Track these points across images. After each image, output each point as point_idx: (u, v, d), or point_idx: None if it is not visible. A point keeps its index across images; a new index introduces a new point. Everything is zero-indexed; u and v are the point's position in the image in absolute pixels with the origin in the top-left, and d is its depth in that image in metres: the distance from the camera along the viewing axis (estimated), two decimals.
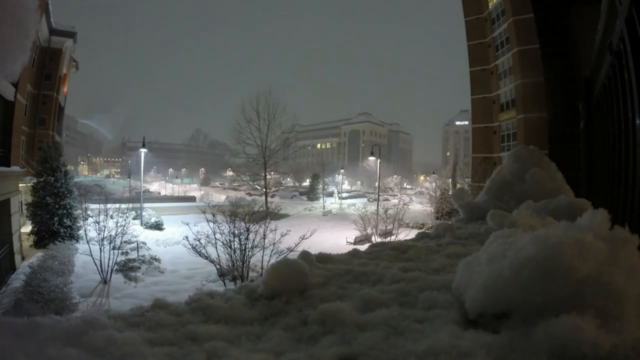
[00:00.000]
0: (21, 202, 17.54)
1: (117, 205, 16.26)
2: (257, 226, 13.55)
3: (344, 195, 51.73)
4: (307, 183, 61.85)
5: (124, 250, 15.76)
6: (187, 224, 15.20)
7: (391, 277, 1.81)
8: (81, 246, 15.82)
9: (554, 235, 1.23)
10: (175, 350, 1.14)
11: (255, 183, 37.96)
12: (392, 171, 70.80)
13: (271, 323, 1.41)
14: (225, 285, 12.38)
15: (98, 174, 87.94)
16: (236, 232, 13.08)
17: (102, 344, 1.15)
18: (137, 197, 27.33)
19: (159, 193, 54.54)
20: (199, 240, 13.37)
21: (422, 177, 74.02)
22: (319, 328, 1.32)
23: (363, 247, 2.56)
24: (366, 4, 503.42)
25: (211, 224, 13.52)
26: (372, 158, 38.94)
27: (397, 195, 48.32)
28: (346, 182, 67.41)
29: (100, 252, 13.45)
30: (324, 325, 1.32)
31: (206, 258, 13.19)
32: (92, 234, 14.60)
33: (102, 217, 14.78)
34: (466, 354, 1.00)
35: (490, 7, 30.54)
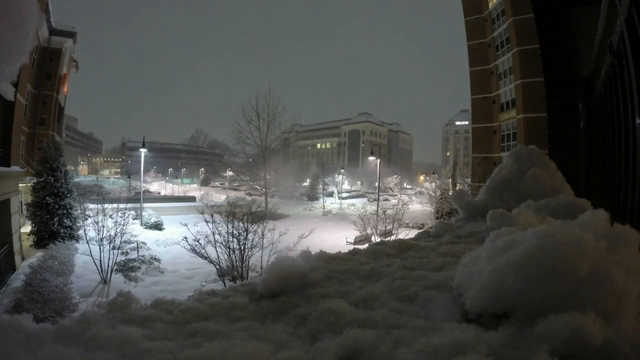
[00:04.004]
0: (21, 202, 17.54)
1: (116, 205, 16.26)
2: (256, 226, 13.56)
3: (344, 195, 51.77)
4: (307, 183, 61.86)
5: (124, 250, 15.76)
6: (186, 225, 15.21)
7: (391, 275, 1.81)
8: (81, 246, 15.81)
9: (554, 234, 1.23)
10: (175, 347, 1.15)
11: (255, 183, 37.99)
12: (392, 171, 70.78)
13: (271, 321, 1.41)
14: (225, 285, 12.38)
15: (99, 174, 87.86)
16: (235, 232, 13.08)
17: (102, 342, 1.15)
18: (137, 197, 27.32)
19: (159, 193, 54.50)
20: (198, 241, 13.37)
21: (422, 177, 73.99)
22: (319, 326, 1.32)
23: (363, 247, 2.56)
24: (366, 4, 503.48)
25: (210, 225, 13.52)
26: (372, 158, 38.94)
27: (397, 195, 48.30)
28: (346, 182, 67.43)
29: (100, 252, 13.45)
30: (324, 323, 1.32)
31: (205, 258, 13.20)
32: (92, 234, 14.60)
33: (101, 217, 14.79)
34: (467, 351, 1.01)
35: (490, 7, 30.57)
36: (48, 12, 23.23)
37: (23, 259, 14.18)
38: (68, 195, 17.12)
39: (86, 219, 15.73)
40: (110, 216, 15.42)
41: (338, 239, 22.72)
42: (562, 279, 1.12)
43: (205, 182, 78.40)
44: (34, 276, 11.09)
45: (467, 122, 77.21)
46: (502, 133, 29.30)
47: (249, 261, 13.11)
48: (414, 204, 34.92)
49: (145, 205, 25.08)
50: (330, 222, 31.29)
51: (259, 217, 15.74)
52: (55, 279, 11.30)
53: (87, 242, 14.37)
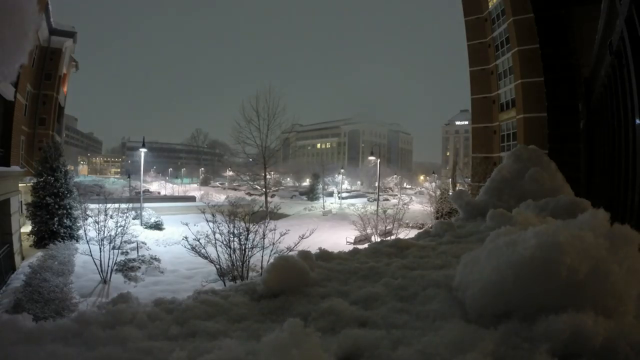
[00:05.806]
0: (21, 202, 17.53)
1: (116, 205, 16.25)
2: (257, 226, 13.55)
3: (344, 195, 51.75)
4: (307, 183, 61.89)
5: (124, 250, 15.74)
6: (187, 224, 15.20)
7: (392, 274, 1.81)
8: (81, 246, 15.80)
9: (554, 234, 1.23)
10: (176, 346, 1.15)
11: (255, 183, 37.98)
12: (392, 171, 70.81)
13: (271, 321, 1.41)
14: (225, 285, 12.36)
15: (99, 174, 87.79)
16: (235, 232, 13.07)
17: (102, 342, 1.15)
18: (137, 197, 27.31)
19: (159, 193, 54.47)
20: (198, 241, 13.36)
21: (422, 177, 74.00)
22: (319, 325, 1.32)
23: (363, 247, 2.56)
24: (366, 4, 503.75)
25: (210, 224, 13.51)
26: (372, 158, 38.94)
27: (397, 195, 48.28)
28: (346, 182, 67.39)
29: (100, 252, 13.44)
30: (324, 322, 1.32)
31: (206, 258, 13.19)
32: (92, 234, 14.59)
33: (101, 217, 14.79)
34: (467, 351, 1.01)
35: (490, 7, 30.54)
36: (48, 12, 23.21)
37: (23, 259, 14.17)
38: (68, 195, 17.11)
39: (86, 219, 15.72)
40: (111, 216, 15.41)
41: (338, 239, 22.70)
42: (562, 279, 1.12)
43: (205, 182, 78.34)
44: (33, 276, 11.07)
45: (467, 122, 77.01)
46: (502, 133, 29.28)
47: (249, 261, 13.10)
48: (414, 204, 34.87)
49: (145, 205, 25.06)
50: (330, 222, 31.29)
51: (258, 216, 15.72)
52: (55, 278, 11.28)
53: (87, 242, 14.35)
